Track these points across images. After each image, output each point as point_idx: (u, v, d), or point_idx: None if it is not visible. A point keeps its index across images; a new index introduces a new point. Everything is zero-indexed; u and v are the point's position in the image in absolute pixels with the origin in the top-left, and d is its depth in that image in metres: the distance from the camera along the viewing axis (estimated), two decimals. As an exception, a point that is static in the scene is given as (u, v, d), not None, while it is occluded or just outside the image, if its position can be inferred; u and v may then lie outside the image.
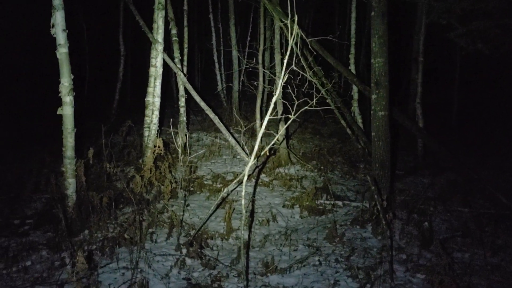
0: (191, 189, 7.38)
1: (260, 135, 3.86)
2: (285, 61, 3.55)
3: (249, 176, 7.92)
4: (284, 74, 3.54)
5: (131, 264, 4.62)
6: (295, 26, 3.48)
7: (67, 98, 5.37)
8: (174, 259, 4.85)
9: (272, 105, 3.52)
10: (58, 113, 5.38)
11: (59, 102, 5.43)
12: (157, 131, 8.39)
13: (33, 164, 6.47)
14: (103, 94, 15.49)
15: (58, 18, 5.28)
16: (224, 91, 14.17)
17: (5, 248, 4.90)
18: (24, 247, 4.92)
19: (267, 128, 9.96)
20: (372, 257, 5.01)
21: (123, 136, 8.98)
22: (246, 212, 4.42)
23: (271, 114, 3.62)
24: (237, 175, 8.48)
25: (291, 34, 3.54)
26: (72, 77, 5.41)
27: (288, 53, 3.55)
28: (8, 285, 4.19)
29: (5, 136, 9.57)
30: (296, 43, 4.19)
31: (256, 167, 8.11)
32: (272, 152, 8.93)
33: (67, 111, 5.39)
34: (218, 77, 14.32)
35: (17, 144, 8.81)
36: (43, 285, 4.17)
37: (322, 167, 8.64)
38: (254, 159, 4.66)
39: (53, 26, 5.29)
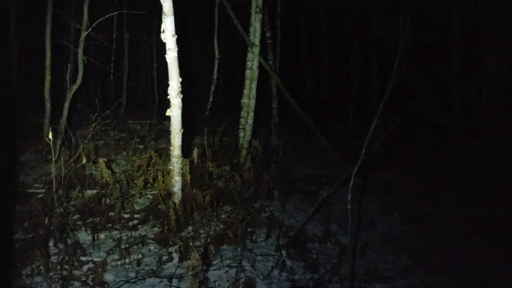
0: (286, 190, 7.40)
1: (367, 139, 3.75)
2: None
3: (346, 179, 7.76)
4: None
5: (234, 262, 4.72)
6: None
7: (176, 100, 5.64)
8: (274, 259, 4.88)
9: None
10: (166, 114, 5.66)
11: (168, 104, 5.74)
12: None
13: (141, 162, 6.88)
14: (197, 96, 16.12)
15: (168, 24, 5.56)
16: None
17: (118, 240, 5.25)
18: (135, 240, 5.22)
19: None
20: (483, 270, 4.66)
21: (219, 136, 9.25)
22: (351, 218, 4.31)
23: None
24: (328, 178, 8.38)
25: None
26: (180, 80, 5.67)
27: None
28: (123, 275, 4.46)
29: (120, 137, 10.33)
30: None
31: (356, 170, 7.93)
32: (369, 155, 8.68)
33: (175, 112, 5.66)
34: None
35: (128, 143, 9.44)
36: (154, 278, 4.40)
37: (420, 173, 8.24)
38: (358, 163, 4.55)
39: (163, 31, 5.58)
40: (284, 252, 5.06)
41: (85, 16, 8.69)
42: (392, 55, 11.40)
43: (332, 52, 17.67)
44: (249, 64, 8.83)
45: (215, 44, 14.90)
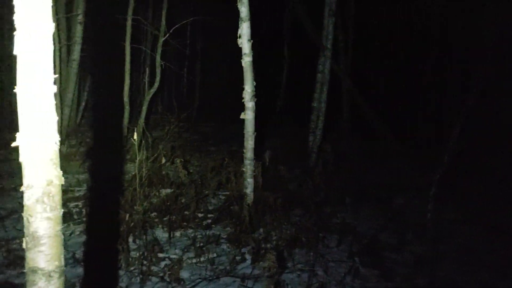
0: (357, 196, 7.26)
1: (450, 145, 3.59)
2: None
3: (423, 187, 7.47)
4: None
5: (306, 266, 4.71)
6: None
7: (250, 104, 5.74)
8: (347, 266, 4.80)
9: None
10: (241, 117, 5.78)
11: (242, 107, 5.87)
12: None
13: (215, 164, 7.07)
14: (264, 99, 16.26)
15: (245, 29, 5.68)
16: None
17: (192, 238, 5.42)
18: (209, 239, 5.36)
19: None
20: None
21: (289, 140, 9.30)
22: (429, 227, 4.15)
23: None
24: (401, 184, 8.12)
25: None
26: (254, 84, 5.77)
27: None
28: (198, 273, 4.60)
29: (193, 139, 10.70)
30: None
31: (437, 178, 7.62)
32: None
33: (249, 115, 5.77)
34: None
35: (201, 145, 9.74)
36: (228, 277, 4.49)
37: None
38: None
39: (239, 36, 5.71)
40: (357, 259, 4.97)
41: (163, 23, 9.09)
42: (471, 60, 10.81)
43: (405, 56, 17.09)
44: (320, 67, 8.79)
45: (285, 48, 14.98)
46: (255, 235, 5.44)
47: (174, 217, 5.85)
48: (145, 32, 14.77)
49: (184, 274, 4.53)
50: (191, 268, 4.68)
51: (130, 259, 4.72)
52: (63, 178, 1.56)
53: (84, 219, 5.86)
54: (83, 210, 6.14)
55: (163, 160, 6.19)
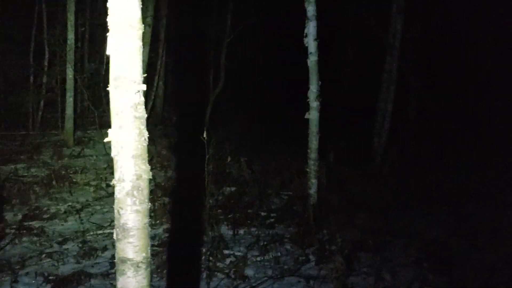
0: (425, 200, 6.99)
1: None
2: None
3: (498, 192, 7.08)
4: None
5: (372, 270, 4.60)
6: None
7: (314, 104, 5.70)
8: (415, 272, 4.64)
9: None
10: (305, 117, 5.76)
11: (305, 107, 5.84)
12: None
13: (277, 163, 7.09)
14: (329, 99, 16.06)
15: (311, 28, 5.64)
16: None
17: (256, 237, 5.47)
18: (272, 238, 5.38)
19: None
20: None
21: (354, 141, 9.14)
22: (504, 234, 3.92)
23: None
24: (472, 188, 7.71)
25: None
26: (320, 83, 5.72)
27: None
28: (262, 272, 4.63)
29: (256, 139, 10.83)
30: None
31: None
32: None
33: (313, 115, 5.73)
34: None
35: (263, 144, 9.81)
36: (293, 277, 4.49)
37: None
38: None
39: (305, 35, 5.68)
40: (425, 265, 4.78)
41: (228, 24, 9.24)
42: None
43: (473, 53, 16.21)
44: (387, 66, 8.56)
45: (348, 47, 14.74)
46: (319, 236, 5.39)
47: (238, 215, 5.93)
48: (210, 34, 15.11)
49: (249, 272, 4.57)
50: (255, 266, 4.72)
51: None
52: (151, 173, 1.63)
53: (159, 212, 6.09)
54: (155, 204, 6.37)
55: (229, 159, 6.30)
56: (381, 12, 9.23)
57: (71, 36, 10.08)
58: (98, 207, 6.54)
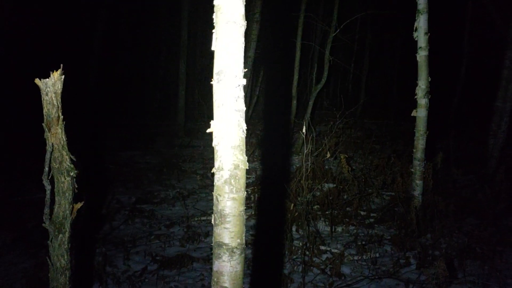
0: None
1: None
2: None
3: None
4: None
5: (478, 279, 4.27)
6: None
7: (423, 101, 5.42)
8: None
9: None
10: (412, 115, 5.49)
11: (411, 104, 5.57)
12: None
13: (379, 162, 6.88)
14: (440, 97, 15.11)
15: (422, 22, 5.36)
16: None
17: (354, 235, 5.37)
18: (371, 238, 5.24)
19: None
20: None
21: (465, 142, 8.51)
22: None
23: None
24: None
25: None
26: (429, 79, 5.42)
27: None
28: (359, 271, 4.54)
29: (357, 136, 10.61)
30: None
31: None
32: None
33: (421, 113, 5.44)
34: None
35: (364, 142, 9.58)
36: (391, 279, 4.34)
37: None
38: None
39: (415, 29, 5.41)
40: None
41: (335, 18, 9.12)
42: None
43: None
44: (507, 62, 7.81)
45: (465, 40, 13.69)
46: (421, 240, 5.13)
47: (336, 212, 5.87)
48: (315, 28, 15.04)
49: (345, 270, 4.52)
50: (352, 264, 4.65)
51: (293, 248, 4.90)
52: (247, 163, 1.70)
53: (253, 204, 6.29)
54: (252, 196, 6.57)
55: (328, 155, 6.24)
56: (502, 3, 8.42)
57: (184, 32, 10.70)
58: (203, 195, 6.91)
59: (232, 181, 1.66)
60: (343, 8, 10.73)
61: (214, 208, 1.71)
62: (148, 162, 8.77)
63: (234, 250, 1.66)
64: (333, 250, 4.92)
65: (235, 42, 1.67)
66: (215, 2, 1.70)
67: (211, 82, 1.72)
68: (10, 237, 4.84)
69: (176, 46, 11.91)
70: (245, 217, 1.71)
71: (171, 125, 12.19)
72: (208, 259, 4.68)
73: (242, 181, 1.68)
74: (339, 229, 5.58)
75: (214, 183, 1.70)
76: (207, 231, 5.44)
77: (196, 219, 5.84)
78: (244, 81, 1.68)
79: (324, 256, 4.81)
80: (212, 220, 1.72)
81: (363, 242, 5.14)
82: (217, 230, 1.68)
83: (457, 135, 9.00)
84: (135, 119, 13.04)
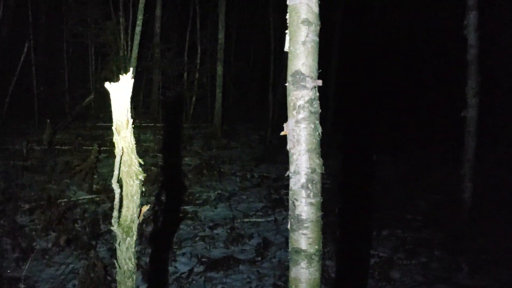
0: None
1: None
2: None
3: None
4: None
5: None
6: None
7: (473, 100, 5.25)
8: None
9: None
10: (461, 114, 5.32)
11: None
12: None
13: (422, 164, 6.71)
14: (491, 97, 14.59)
15: (471, 19, 5.19)
16: None
17: (401, 239, 5.23)
18: (419, 242, 5.10)
19: None
20: None
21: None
22: None
23: None
24: None
25: None
26: (480, 79, 5.24)
27: None
28: (408, 276, 4.41)
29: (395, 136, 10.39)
30: None
31: None
32: None
33: (471, 113, 5.27)
34: None
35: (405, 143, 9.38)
36: (443, 284, 4.20)
37: None
38: None
39: (465, 27, 5.24)
40: None
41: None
42: None
43: None
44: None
45: None
46: (472, 244, 4.95)
47: (381, 215, 5.74)
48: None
49: (395, 275, 4.40)
50: (401, 269, 4.53)
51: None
52: (323, 167, 1.65)
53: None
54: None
55: (374, 157, 6.13)
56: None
57: (221, 35, 10.75)
58: (244, 197, 6.90)
59: (309, 185, 1.61)
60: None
61: (290, 212, 1.67)
62: (188, 164, 8.81)
63: (313, 257, 1.61)
64: (380, 254, 4.81)
65: (311, 43, 1.63)
66: (288, 2, 1.66)
67: (285, 84, 1.68)
68: (63, 239, 4.94)
69: (213, 48, 11.99)
70: (322, 222, 1.66)
71: (208, 127, 12.26)
72: (254, 262, 4.65)
73: (319, 186, 1.64)
74: (385, 232, 5.45)
75: (290, 187, 1.66)
76: (251, 233, 5.41)
77: (239, 220, 5.83)
78: (320, 82, 1.64)
79: (372, 260, 4.70)
80: (289, 225, 1.68)
81: (411, 246, 5.00)
82: (294, 236, 1.64)
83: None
84: (170, 121, 13.16)
